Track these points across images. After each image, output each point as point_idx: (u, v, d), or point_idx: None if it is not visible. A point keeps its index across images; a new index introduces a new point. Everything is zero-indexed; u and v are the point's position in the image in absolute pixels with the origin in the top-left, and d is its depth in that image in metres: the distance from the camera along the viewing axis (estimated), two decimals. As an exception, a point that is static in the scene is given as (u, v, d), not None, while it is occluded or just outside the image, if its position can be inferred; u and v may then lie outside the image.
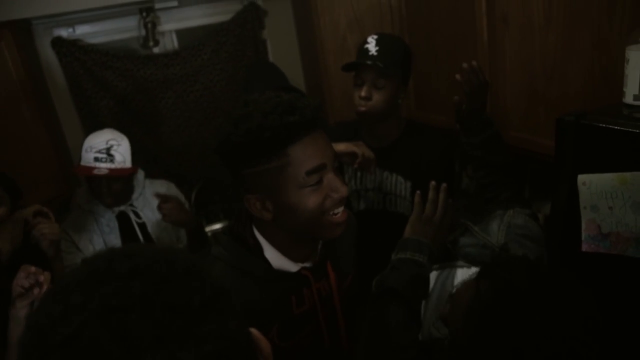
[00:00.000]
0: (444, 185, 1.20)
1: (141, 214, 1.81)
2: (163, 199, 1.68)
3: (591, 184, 0.93)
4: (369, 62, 1.62)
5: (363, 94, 1.66)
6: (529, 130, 1.69)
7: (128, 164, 1.68)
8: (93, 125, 2.44)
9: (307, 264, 1.05)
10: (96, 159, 1.62)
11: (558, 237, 1.08)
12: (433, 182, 1.21)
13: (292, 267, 1.03)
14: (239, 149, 0.86)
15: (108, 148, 1.64)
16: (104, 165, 1.62)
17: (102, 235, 1.75)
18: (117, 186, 1.70)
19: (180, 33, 2.67)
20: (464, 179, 2.08)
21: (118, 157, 1.66)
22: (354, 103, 1.70)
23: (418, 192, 1.21)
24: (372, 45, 1.64)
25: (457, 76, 1.45)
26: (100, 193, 1.68)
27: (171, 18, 2.55)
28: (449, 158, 1.77)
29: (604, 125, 0.92)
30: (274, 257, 1.00)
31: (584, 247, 0.98)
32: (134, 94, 2.47)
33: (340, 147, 1.50)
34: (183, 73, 2.55)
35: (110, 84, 2.42)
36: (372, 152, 1.56)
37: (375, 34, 1.69)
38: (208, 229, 2.69)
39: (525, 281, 0.79)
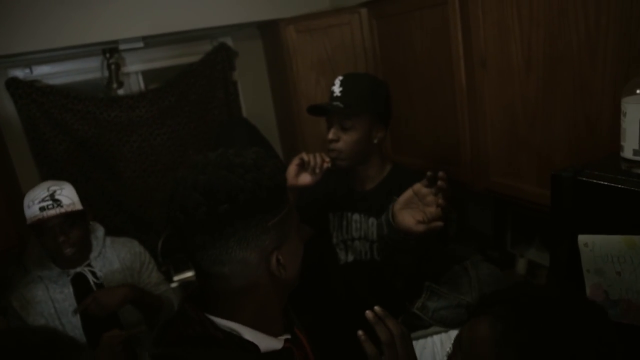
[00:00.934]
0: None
1: (99, 274, 1.63)
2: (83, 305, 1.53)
3: (594, 245, 0.85)
4: (327, 103, 1.55)
5: (329, 136, 1.57)
6: (511, 176, 1.63)
7: (78, 205, 1.52)
8: (51, 172, 2.29)
9: (286, 336, 0.92)
10: (42, 209, 1.46)
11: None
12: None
13: (277, 343, 0.87)
14: (265, 195, 0.78)
15: (51, 194, 1.49)
16: (53, 212, 1.46)
17: (54, 304, 1.56)
18: (75, 233, 1.53)
19: (146, 74, 2.57)
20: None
21: (65, 200, 1.50)
22: (327, 147, 1.61)
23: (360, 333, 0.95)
24: (337, 86, 1.57)
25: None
26: (57, 246, 1.50)
27: (136, 59, 2.45)
28: None
29: (604, 183, 0.84)
30: (259, 339, 0.84)
31: (589, 314, 0.89)
32: (96, 137, 2.33)
33: (291, 171, 1.53)
34: (149, 116, 2.43)
35: (70, 127, 2.28)
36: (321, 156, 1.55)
37: (344, 74, 1.61)
38: (177, 277, 2.54)
39: (544, 300, 0.78)
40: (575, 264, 0.92)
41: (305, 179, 1.55)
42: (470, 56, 1.62)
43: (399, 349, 0.89)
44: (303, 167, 1.56)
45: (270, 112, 2.82)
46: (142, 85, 2.56)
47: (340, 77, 1.58)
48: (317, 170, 1.54)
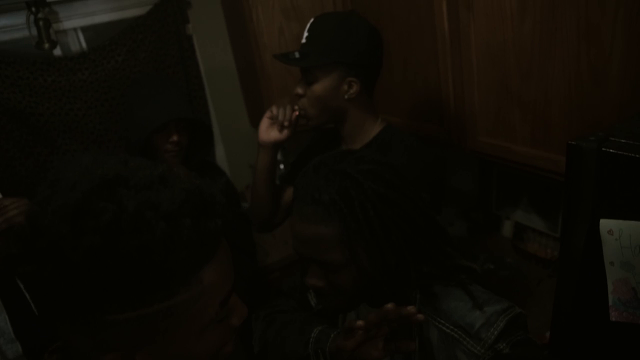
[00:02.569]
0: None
1: None
2: None
3: (621, 233, 0.68)
4: (287, 53, 1.33)
5: (296, 90, 1.35)
6: (501, 136, 1.45)
7: None
8: (-18, 149, 2.01)
9: None
10: None
11: (570, 301, 0.82)
12: None
13: None
14: (109, 279, 0.49)
15: None
16: None
17: None
18: None
19: (87, 32, 2.26)
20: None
21: None
22: None
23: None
24: (305, 30, 1.34)
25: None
26: None
27: (73, 13, 2.13)
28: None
29: (638, 156, 0.66)
30: None
31: (614, 316, 0.74)
32: (33, 106, 2.05)
33: (262, 125, 1.37)
34: (93, 79, 2.15)
35: (0, 96, 1.99)
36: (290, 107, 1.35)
37: (316, 15, 1.35)
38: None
39: None
40: (593, 254, 0.75)
41: (275, 134, 1.38)
42: (454, -3, 1.40)
43: None
44: (274, 120, 1.38)
45: (232, 68, 2.56)
46: (84, 45, 2.25)
47: (312, 20, 1.35)
48: (286, 124, 1.36)
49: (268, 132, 1.39)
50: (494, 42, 1.34)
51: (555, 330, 0.91)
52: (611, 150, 0.69)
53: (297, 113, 1.36)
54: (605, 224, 0.70)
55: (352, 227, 0.76)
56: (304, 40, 1.33)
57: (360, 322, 0.73)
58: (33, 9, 1.89)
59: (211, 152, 2.60)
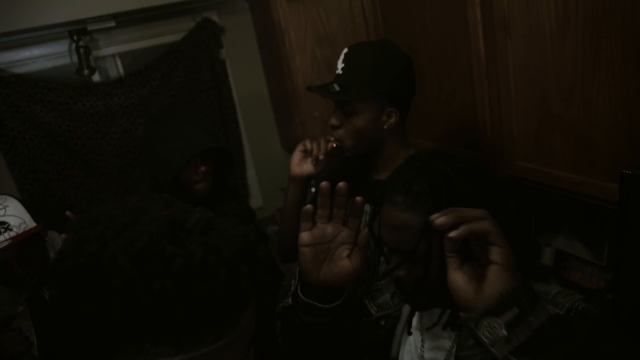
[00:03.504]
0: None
1: None
2: None
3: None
4: (324, 85, 1.30)
5: (330, 122, 1.33)
6: (541, 161, 1.39)
7: (31, 223, 1.30)
8: (24, 171, 2.08)
9: None
10: None
11: (630, 335, 0.76)
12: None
13: None
14: (174, 324, 0.48)
15: None
16: (3, 238, 1.24)
17: None
18: (36, 259, 1.31)
19: (125, 58, 2.33)
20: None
21: (13, 220, 1.27)
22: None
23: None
24: (340, 62, 1.32)
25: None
26: (16, 280, 1.29)
27: (111, 41, 2.20)
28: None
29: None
30: None
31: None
32: (72, 130, 2.11)
33: (295, 158, 1.37)
34: (129, 103, 2.20)
35: (42, 121, 2.06)
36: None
37: (350, 45, 1.34)
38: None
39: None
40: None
41: (309, 167, 1.36)
42: (491, 19, 1.37)
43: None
44: (307, 154, 1.37)
45: (264, 93, 2.58)
46: (121, 70, 2.32)
47: (346, 50, 1.33)
48: (322, 157, 1.34)
49: (301, 166, 1.37)
50: (533, 64, 1.29)
51: None
52: (671, 179, 0.64)
53: (334, 145, 1.34)
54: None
55: None
56: (340, 72, 1.31)
57: (308, 206, 0.79)
58: (75, 37, 1.96)
59: (243, 175, 2.62)
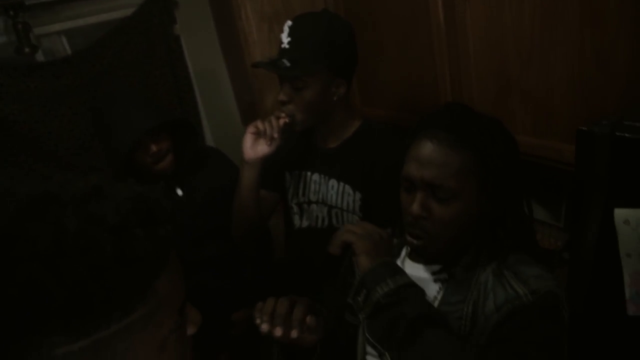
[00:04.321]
0: None
1: None
2: None
3: (637, 223, 0.65)
4: (272, 60, 1.30)
5: (279, 97, 1.34)
6: (502, 126, 1.42)
7: None
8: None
9: None
10: None
11: (584, 294, 0.79)
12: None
13: None
14: (56, 310, 0.43)
15: None
16: None
17: None
18: None
19: (71, 35, 2.20)
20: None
21: None
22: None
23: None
24: (285, 35, 1.31)
25: None
26: None
27: (55, 17, 2.07)
28: None
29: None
30: None
31: (631, 310, 0.71)
32: (16, 113, 1.99)
33: (246, 141, 1.35)
34: (78, 84, 2.09)
35: (-17, 104, 1.93)
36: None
37: (293, 18, 1.33)
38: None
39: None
40: (607, 246, 0.72)
41: (263, 148, 1.34)
42: (449, -14, 1.37)
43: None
44: (259, 135, 1.33)
45: (222, 69, 2.51)
46: (67, 49, 2.19)
47: (289, 23, 1.31)
48: (276, 135, 1.32)
49: (254, 148, 1.35)
50: (492, 31, 1.30)
51: (571, 328, 0.88)
52: (626, 135, 0.66)
53: (286, 120, 1.33)
54: (620, 213, 0.67)
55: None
56: (286, 45, 1.30)
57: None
58: (11, 12, 1.83)
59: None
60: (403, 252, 1.05)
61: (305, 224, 1.52)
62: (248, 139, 1.35)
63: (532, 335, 0.74)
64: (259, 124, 1.34)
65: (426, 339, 0.76)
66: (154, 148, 1.55)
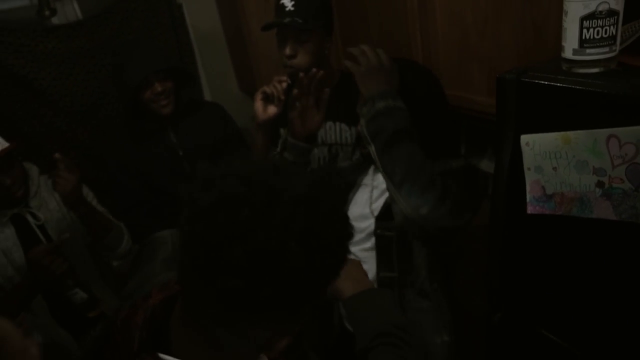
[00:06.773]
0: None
1: (39, 214, 1.61)
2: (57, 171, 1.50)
3: (534, 144, 0.90)
4: (286, 20, 1.56)
5: (287, 52, 1.61)
6: (463, 87, 1.65)
7: (3, 143, 1.46)
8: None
9: None
10: None
11: (502, 200, 1.05)
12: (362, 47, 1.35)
13: None
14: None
15: None
16: None
17: None
18: (16, 171, 1.49)
19: (82, 1, 2.39)
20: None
21: None
22: (282, 62, 1.66)
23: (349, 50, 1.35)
24: (287, 0, 1.56)
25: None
26: (1, 189, 1.46)
27: (69, -17, 2.26)
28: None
29: (545, 83, 0.87)
30: None
31: (529, 209, 0.96)
32: (35, 71, 2.19)
33: (258, 107, 1.60)
34: (90, 46, 2.29)
35: (4, 62, 2.12)
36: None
37: None
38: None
39: None
40: (518, 165, 0.97)
41: (273, 109, 1.60)
42: (421, -35, 1.58)
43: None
44: (267, 99, 1.59)
45: (220, 35, 2.70)
46: (79, 14, 2.38)
47: None
48: (282, 97, 1.59)
49: (265, 111, 1.59)
50: (456, 5, 1.53)
51: (493, 222, 1.13)
52: (527, 80, 0.90)
53: (288, 82, 1.59)
54: (523, 138, 0.92)
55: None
56: (291, 8, 1.54)
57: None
58: (33, -23, 2.01)
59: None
60: None
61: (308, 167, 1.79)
62: (259, 105, 1.61)
63: None
64: (267, 89, 1.59)
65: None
66: (158, 87, 1.78)
